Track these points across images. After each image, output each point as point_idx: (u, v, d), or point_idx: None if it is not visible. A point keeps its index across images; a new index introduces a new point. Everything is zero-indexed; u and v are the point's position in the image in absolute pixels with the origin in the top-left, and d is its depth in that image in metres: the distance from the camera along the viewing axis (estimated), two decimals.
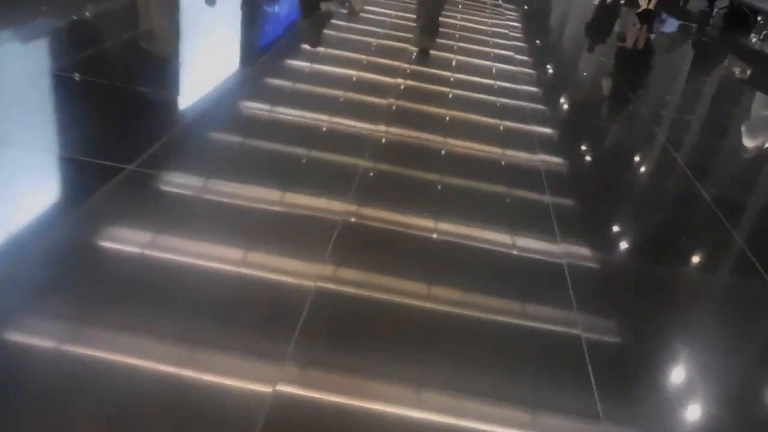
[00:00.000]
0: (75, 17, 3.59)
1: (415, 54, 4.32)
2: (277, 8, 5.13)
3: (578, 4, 8.77)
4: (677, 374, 1.69)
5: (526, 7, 7.54)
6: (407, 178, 2.47)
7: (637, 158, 3.28)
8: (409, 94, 3.47)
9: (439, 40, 4.94)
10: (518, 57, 4.75)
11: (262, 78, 3.30)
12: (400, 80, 3.62)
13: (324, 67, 3.70)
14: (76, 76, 2.77)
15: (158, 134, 2.36)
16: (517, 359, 1.60)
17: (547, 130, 3.32)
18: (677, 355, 1.76)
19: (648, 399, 1.56)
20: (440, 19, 5.70)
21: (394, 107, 3.17)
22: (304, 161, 2.44)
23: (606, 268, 2.13)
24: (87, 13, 3.69)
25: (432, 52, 4.56)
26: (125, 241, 1.77)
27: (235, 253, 1.79)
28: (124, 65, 3.15)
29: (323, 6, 5.17)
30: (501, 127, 3.20)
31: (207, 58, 3.48)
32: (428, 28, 5.29)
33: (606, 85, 4.72)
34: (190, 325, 1.48)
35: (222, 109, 2.77)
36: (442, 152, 2.76)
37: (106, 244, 1.75)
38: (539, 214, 2.34)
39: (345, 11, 5.36)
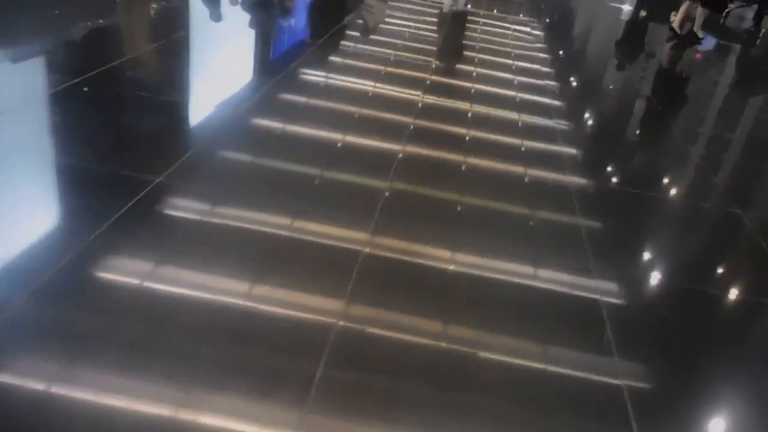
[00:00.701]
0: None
1: (436, 72, 4.30)
2: (292, 22, 5.17)
3: (602, 17, 8.77)
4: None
5: (547, 20, 7.57)
6: (434, 201, 2.43)
7: (673, 181, 3.21)
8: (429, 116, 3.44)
9: (460, 66, 4.89)
10: (545, 77, 4.72)
11: (277, 96, 3.29)
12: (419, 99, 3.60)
13: (341, 83, 3.69)
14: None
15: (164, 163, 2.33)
16: (550, 415, 1.52)
17: (579, 152, 3.26)
18: (730, 405, 1.67)
19: None
20: (463, 41, 5.66)
21: (412, 127, 3.14)
22: (316, 182, 2.40)
23: (647, 302, 2.04)
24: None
25: (453, 78, 4.51)
26: (127, 272, 1.73)
27: (250, 284, 1.74)
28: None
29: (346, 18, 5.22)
30: (523, 148, 3.15)
31: (219, 75, 3.49)
32: (450, 47, 5.24)
33: (641, 108, 4.64)
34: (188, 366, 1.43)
35: (239, 129, 2.76)
36: (463, 169, 2.71)
37: (112, 275, 1.72)
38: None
39: (361, 23, 5.39)
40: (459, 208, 2.43)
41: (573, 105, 4.22)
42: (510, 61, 4.96)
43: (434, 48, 5.05)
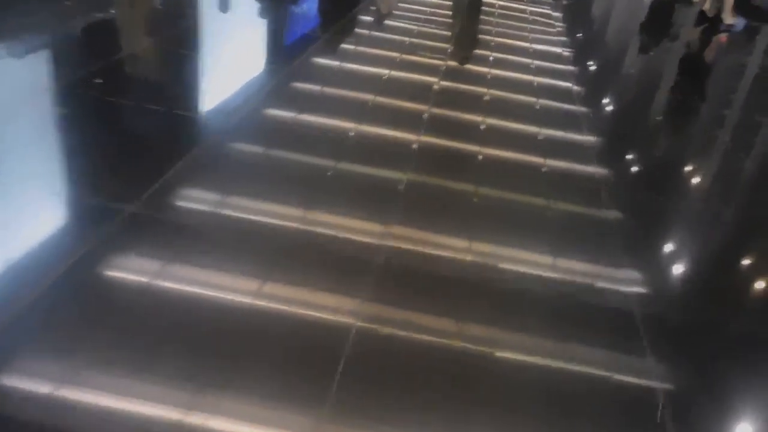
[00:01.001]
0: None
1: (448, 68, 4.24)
2: (303, 10, 5.10)
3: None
4: None
5: (564, 2, 7.45)
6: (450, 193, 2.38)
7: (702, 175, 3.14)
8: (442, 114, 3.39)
9: (477, 52, 4.79)
10: (565, 55, 4.64)
11: (287, 86, 3.26)
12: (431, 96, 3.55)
13: (353, 71, 3.65)
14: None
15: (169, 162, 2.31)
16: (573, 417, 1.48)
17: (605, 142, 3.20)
18: None
19: None
20: (479, 26, 5.55)
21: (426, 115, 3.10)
22: (329, 173, 2.37)
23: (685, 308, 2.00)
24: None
25: (469, 66, 4.40)
26: (135, 270, 1.72)
27: (261, 283, 1.72)
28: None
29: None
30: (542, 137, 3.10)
31: (228, 65, 3.47)
32: (465, 39, 5.11)
33: (670, 96, 4.50)
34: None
35: (250, 121, 2.73)
36: (479, 159, 2.67)
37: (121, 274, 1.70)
38: None
39: (373, 10, 5.33)
40: (475, 200, 2.39)
41: (595, 91, 4.14)
42: (527, 45, 4.89)
43: (448, 33, 4.99)
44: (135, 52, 3.34)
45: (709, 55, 6.03)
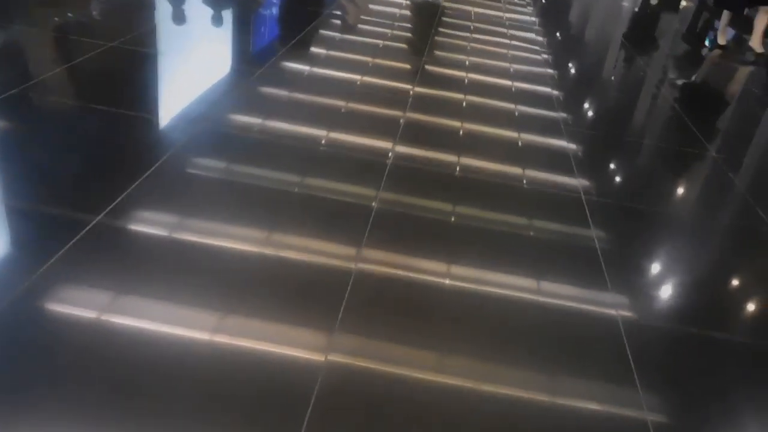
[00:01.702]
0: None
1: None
2: (263, 19, 5.07)
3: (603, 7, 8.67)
4: None
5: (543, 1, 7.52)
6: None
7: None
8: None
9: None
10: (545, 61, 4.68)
11: (249, 98, 3.23)
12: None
13: (319, 87, 3.63)
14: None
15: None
16: None
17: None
18: None
19: None
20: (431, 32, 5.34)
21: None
22: (296, 189, 2.33)
23: (670, 330, 1.99)
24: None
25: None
26: (81, 305, 1.66)
27: (222, 317, 1.67)
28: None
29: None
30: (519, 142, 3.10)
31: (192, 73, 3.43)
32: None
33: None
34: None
35: (214, 133, 2.69)
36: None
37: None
38: None
39: (340, 17, 5.33)
40: (453, 219, 2.37)
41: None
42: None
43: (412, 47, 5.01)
44: (90, 57, 3.29)
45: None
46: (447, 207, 2.44)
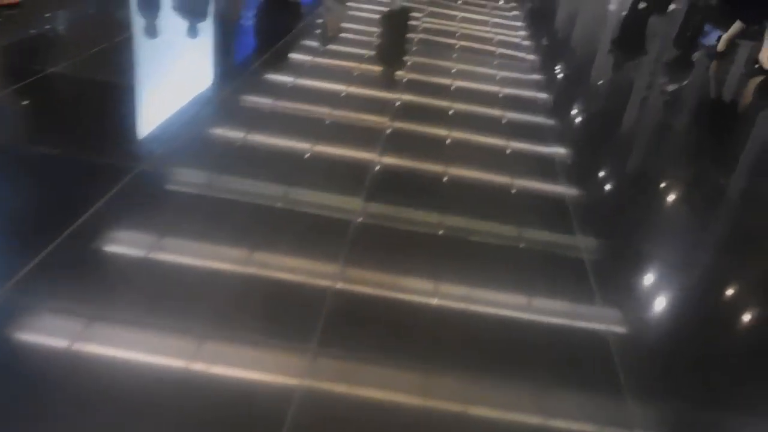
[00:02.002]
0: None
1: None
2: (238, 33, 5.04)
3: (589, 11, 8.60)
4: None
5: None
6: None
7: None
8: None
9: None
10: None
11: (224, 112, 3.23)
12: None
13: (295, 102, 3.63)
14: None
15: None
16: None
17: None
18: None
19: None
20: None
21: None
22: (271, 204, 2.34)
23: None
24: None
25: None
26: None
27: (199, 344, 1.67)
28: None
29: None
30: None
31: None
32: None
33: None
34: None
35: (193, 147, 2.70)
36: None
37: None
38: None
39: (319, 28, 5.33)
40: (440, 232, 2.38)
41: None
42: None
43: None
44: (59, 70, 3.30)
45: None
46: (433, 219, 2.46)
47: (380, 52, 4.81)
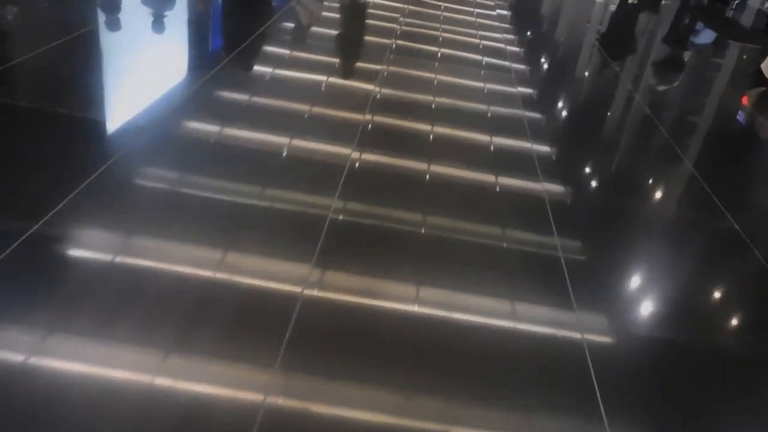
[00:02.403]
0: None
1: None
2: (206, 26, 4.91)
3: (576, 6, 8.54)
4: None
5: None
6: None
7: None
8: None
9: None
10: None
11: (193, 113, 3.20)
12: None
13: (265, 103, 3.61)
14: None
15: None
16: None
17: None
18: None
19: None
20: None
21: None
22: (241, 201, 2.33)
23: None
24: None
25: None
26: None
27: (164, 358, 1.66)
28: None
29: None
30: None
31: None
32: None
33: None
34: None
35: (165, 141, 2.67)
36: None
37: None
38: None
39: (292, 23, 5.28)
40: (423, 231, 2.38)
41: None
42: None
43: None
44: (31, 57, 3.27)
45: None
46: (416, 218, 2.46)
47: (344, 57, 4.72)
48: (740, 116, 5.22)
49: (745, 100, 5.53)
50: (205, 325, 1.78)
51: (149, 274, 1.95)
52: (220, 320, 1.81)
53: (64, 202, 2.15)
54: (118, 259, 1.99)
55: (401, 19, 5.76)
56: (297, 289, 1.97)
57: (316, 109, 3.43)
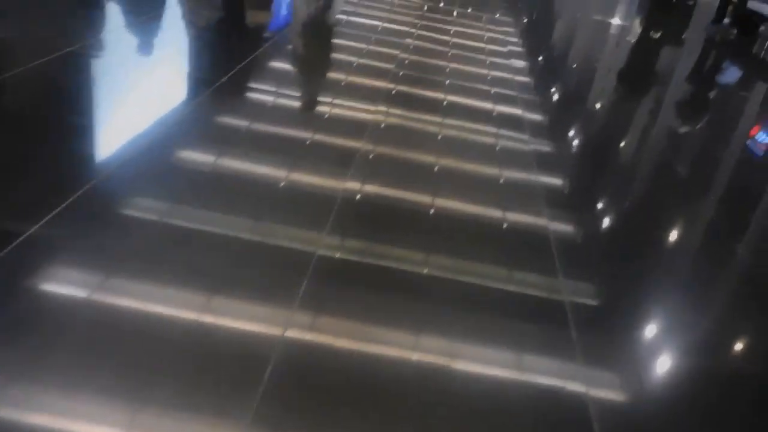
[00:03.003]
0: None
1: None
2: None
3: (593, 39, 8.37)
4: None
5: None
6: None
7: None
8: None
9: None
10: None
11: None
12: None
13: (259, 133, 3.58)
14: None
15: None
16: None
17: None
18: None
19: None
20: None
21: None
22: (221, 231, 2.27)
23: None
24: None
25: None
26: None
27: (134, 413, 1.60)
28: None
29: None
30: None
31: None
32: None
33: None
34: None
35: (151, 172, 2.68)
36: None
37: None
38: None
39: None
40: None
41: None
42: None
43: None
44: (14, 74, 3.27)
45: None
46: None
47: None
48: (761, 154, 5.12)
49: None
50: (181, 373, 1.73)
51: (115, 312, 1.89)
52: (197, 367, 1.76)
53: (30, 231, 2.11)
54: (96, 294, 1.94)
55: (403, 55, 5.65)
56: (277, 332, 1.91)
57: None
